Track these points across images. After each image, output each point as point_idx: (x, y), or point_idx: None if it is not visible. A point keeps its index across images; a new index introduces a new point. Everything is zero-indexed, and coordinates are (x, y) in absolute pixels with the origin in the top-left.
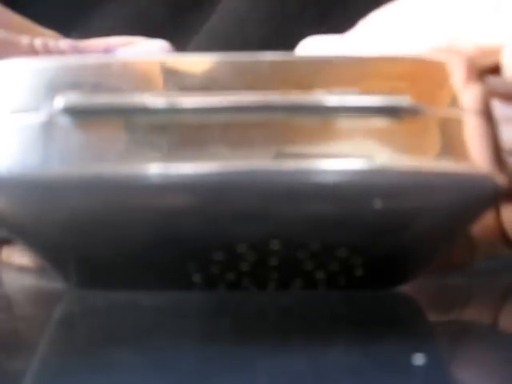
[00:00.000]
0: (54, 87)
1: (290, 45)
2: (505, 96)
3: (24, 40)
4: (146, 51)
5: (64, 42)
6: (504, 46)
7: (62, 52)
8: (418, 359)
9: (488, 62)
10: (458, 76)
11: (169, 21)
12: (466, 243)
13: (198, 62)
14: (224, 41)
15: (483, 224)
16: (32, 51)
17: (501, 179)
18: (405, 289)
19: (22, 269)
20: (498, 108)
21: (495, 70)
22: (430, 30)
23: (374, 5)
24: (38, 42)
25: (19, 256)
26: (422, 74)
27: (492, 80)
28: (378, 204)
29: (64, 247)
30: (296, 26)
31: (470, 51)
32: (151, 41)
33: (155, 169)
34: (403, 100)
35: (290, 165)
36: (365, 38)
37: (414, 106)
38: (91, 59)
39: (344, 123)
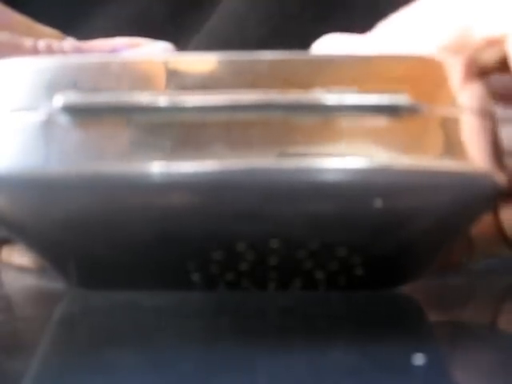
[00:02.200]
0: (54, 86)
1: (290, 45)
2: (505, 96)
3: (27, 42)
4: (150, 53)
5: (67, 44)
6: (509, 35)
7: (65, 54)
8: (418, 359)
9: (496, 52)
10: (457, 75)
11: (169, 21)
12: (465, 242)
13: (197, 62)
14: (224, 41)
15: (482, 223)
16: (35, 53)
17: (500, 178)
18: (405, 289)
19: (22, 269)
20: (498, 108)
21: (502, 66)
22: (440, 25)
23: (373, 5)
24: (41, 44)
25: (19, 256)
26: (422, 72)
27: (493, 80)
28: (377, 203)
29: (64, 246)
30: (295, 26)
31: (477, 43)
32: (155, 43)
33: (155, 167)
34: (402, 98)
35: (289, 164)
36: (383, 38)
37: (412, 104)
38: (91, 59)
39: (343, 122)
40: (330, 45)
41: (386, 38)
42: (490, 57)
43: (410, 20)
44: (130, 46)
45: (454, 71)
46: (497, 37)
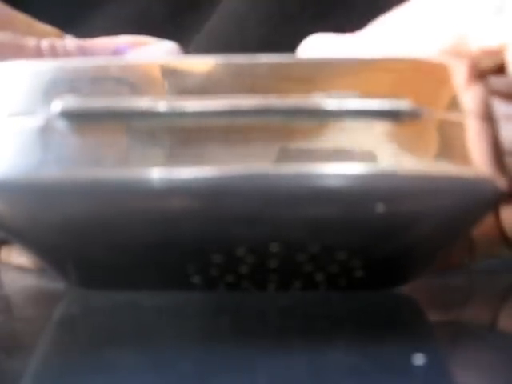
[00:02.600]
0: (52, 91)
1: (290, 45)
2: (505, 95)
3: (30, 42)
4: (156, 53)
5: (71, 43)
6: (509, 44)
7: (68, 53)
8: (418, 359)
9: (491, 63)
10: (459, 79)
11: (169, 21)
12: (466, 243)
13: (196, 65)
14: (224, 41)
15: (483, 224)
16: (38, 53)
17: (501, 183)
18: (405, 289)
19: (21, 269)
20: (499, 106)
21: (499, 71)
22: (435, 32)
23: (373, 5)
24: (44, 44)
25: (19, 256)
26: (424, 76)
27: (494, 80)
28: (378, 208)
29: (62, 250)
30: (296, 26)
31: (473, 52)
32: (161, 42)
33: (153, 173)
34: (404, 104)
35: (289, 169)
36: (374, 40)
37: (414, 109)
38: (89, 62)
39: (344, 127)
40: (317, 45)
41: (377, 39)
42: (486, 64)
43: (403, 22)
44: (135, 44)
45: (457, 75)
46: (494, 47)
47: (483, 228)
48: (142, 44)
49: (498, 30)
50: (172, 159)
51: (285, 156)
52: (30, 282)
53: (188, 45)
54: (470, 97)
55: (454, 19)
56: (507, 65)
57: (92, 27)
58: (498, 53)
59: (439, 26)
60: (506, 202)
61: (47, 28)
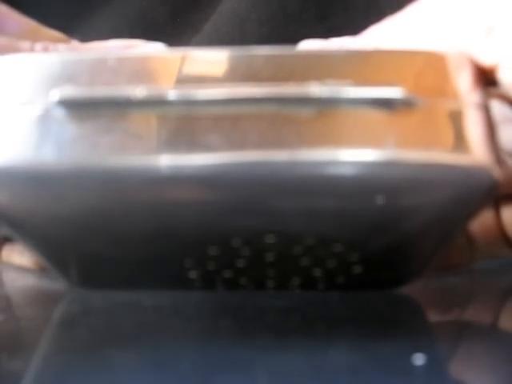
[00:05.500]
0: (51, 81)
1: (290, 45)
2: (505, 96)
3: (24, 45)
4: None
5: (63, 47)
6: (501, 64)
7: None
8: (418, 359)
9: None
10: (456, 69)
11: (169, 21)
12: (466, 243)
13: (193, 57)
14: (224, 41)
15: (483, 224)
16: None
17: (498, 172)
18: (405, 289)
19: (22, 269)
20: (498, 108)
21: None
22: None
23: (373, 5)
24: (38, 47)
25: (19, 256)
26: (421, 66)
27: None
28: (375, 197)
29: (60, 240)
30: (296, 26)
31: None
32: (149, 44)
33: (150, 161)
34: (396, 92)
35: (285, 157)
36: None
37: (407, 97)
38: (87, 54)
39: (338, 115)
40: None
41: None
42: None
43: (399, 35)
44: (125, 47)
45: (454, 65)
46: (486, 67)
47: (484, 228)
48: (133, 46)
49: (489, 49)
50: (168, 147)
51: (280, 145)
52: (30, 281)
53: (188, 45)
54: (467, 86)
55: (447, 38)
56: (501, 84)
57: (93, 27)
58: (490, 72)
59: (436, 44)
60: (506, 202)
61: (54, 33)
